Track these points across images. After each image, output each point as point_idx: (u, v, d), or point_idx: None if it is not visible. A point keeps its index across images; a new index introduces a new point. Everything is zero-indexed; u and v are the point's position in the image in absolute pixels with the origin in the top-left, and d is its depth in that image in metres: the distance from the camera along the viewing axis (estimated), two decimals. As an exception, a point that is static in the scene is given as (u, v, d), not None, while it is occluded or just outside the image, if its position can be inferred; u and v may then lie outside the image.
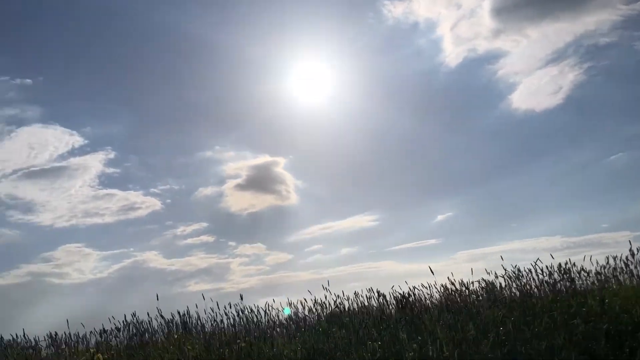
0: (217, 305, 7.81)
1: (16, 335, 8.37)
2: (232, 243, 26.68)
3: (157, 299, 8.12)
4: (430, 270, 8.54)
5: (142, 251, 25.57)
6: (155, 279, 24.91)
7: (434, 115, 28.94)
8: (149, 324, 8.28)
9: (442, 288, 8.58)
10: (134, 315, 8.26)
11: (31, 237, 24.66)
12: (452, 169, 29.56)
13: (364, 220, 28.36)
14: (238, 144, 28.32)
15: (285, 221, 28.36)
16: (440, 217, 28.09)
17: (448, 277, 8.63)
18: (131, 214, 25.30)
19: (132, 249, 25.87)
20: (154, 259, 25.59)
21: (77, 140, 24.68)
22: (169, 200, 26.21)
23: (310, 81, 26.86)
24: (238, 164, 27.19)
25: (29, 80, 24.15)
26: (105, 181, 25.23)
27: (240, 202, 27.78)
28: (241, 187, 27.09)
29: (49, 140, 24.68)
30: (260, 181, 27.19)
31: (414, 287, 8.66)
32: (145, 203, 25.27)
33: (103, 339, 8.11)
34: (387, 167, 29.61)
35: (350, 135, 28.21)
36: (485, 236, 28.06)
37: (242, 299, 7.90)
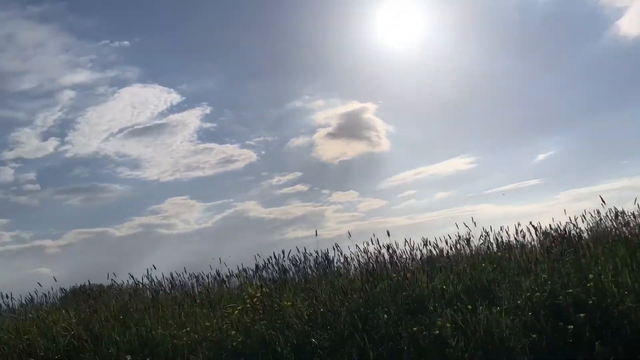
0: (369, 240, 7.78)
1: (172, 275, 8.91)
2: (326, 191, 27.05)
3: (316, 234, 8.32)
4: (602, 199, 7.84)
5: (242, 201, 26.67)
6: (255, 227, 25.95)
7: (532, 50, 26.92)
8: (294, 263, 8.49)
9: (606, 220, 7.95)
10: (284, 252, 8.50)
11: (140, 191, 26.48)
12: (554, 105, 27.60)
13: (460, 163, 27.48)
14: (326, 92, 28.16)
15: (377, 168, 28.18)
16: (541, 157, 26.57)
17: (616, 208, 7.92)
18: (229, 166, 26.31)
19: (232, 200, 27.10)
20: (253, 208, 26.61)
21: (174, 97, 25.70)
22: (263, 152, 26.89)
23: (398, 22, 25.77)
24: (327, 112, 27.09)
25: (126, 42, 25.17)
26: (203, 136, 26.27)
27: (331, 151, 27.88)
28: (332, 135, 27.06)
29: (149, 99, 25.89)
30: (351, 129, 26.98)
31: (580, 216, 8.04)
32: (242, 155, 26.09)
33: (254, 276, 8.45)
34: (483, 107, 28.22)
35: (442, 76, 27.01)
36: (590, 175, 26.26)
37: (389, 235, 7.81)
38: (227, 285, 8.69)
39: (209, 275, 8.86)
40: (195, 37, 28.52)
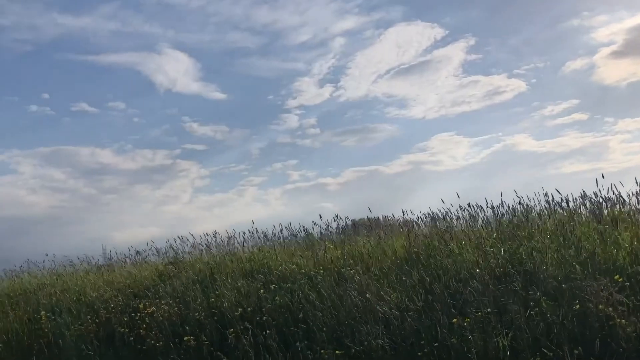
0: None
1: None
2: (609, 119, 23.39)
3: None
4: None
5: (511, 135, 24.83)
6: (526, 161, 23.94)
7: None
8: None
9: None
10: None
11: (407, 129, 26.72)
12: None
13: None
14: (610, 4, 23.67)
15: (682, 87, 22.94)
16: None
17: None
18: (496, 99, 24.51)
19: (500, 134, 25.46)
20: (523, 141, 24.54)
21: (438, 32, 24.66)
22: (534, 80, 24.24)
23: None
24: (611, 28, 22.82)
25: (389, -19, 24.78)
26: (469, 69, 24.85)
27: (616, 72, 23.72)
28: (617, 54, 22.74)
29: (412, 36, 25.44)
30: (642, 44, 22.20)
31: None
32: (510, 86, 24.03)
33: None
34: None
35: None
36: None
37: None
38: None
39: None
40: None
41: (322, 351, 5.30)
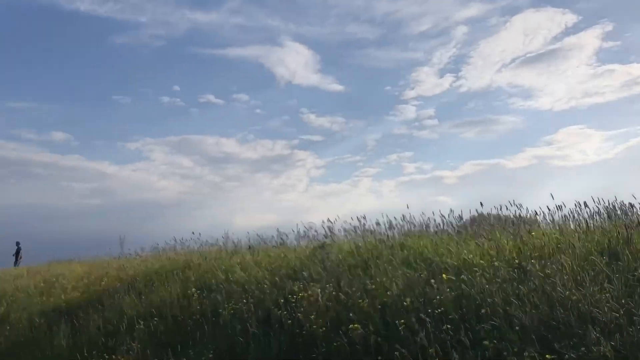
0: None
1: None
2: None
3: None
4: None
5: (652, 129, 21.73)
6: None
7: None
8: None
9: None
10: None
11: (532, 121, 24.56)
12: None
13: None
14: None
15: None
16: None
17: None
18: (635, 89, 21.71)
19: (638, 127, 22.54)
20: (666, 136, 21.41)
21: (569, 18, 22.41)
22: (687, 66, 20.93)
23: None
24: None
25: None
26: (604, 57, 22.30)
27: None
28: None
29: (541, 23, 23.39)
30: None
31: None
32: None
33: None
34: None
35: None
36: None
37: None
38: None
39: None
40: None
41: (525, 353, 4.52)
